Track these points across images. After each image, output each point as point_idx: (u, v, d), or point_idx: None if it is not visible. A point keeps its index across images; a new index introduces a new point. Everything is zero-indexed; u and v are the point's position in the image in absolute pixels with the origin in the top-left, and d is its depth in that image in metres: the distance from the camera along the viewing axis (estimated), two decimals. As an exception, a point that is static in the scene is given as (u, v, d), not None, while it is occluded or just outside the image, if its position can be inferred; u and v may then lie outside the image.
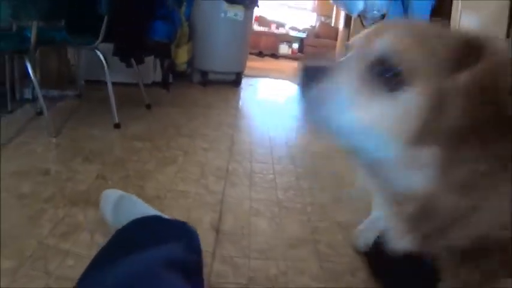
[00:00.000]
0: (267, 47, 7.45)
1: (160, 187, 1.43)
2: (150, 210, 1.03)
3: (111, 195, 1.10)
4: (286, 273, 1.03)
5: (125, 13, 1.98)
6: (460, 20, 2.77)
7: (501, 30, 2.65)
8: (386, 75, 0.42)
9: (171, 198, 1.36)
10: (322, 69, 0.45)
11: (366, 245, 1.14)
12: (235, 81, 3.70)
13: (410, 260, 0.85)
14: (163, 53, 2.71)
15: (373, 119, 0.43)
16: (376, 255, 1.07)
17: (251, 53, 6.07)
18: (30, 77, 1.79)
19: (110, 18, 1.90)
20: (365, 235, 1.16)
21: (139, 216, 0.93)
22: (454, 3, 2.74)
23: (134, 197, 1.09)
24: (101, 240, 1.03)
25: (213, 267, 1.02)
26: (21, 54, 1.79)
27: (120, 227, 0.89)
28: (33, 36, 1.69)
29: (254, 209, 1.36)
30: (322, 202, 1.48)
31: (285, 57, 7.59)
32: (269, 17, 8.17)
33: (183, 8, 2.90)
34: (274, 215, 1.34)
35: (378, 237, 1.07)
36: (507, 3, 2.50)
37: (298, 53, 7.80)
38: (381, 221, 1.13)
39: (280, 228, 1.26)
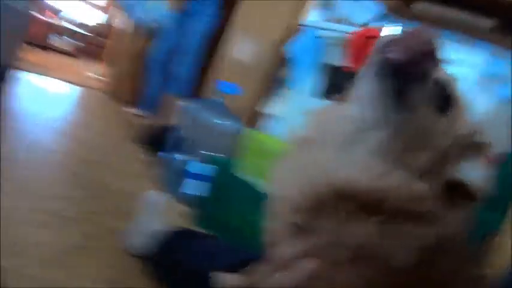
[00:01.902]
0: (37, 37, 6.61)
1: None
2: None
3: None
4: (70, 279, 1.17)
5: None
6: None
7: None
8: None
9: None
10: None
11: (136, 247, 1.36)
12: (2, 76, 3.37)
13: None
14: None
15: None
16: (151, 258, 1.29)
17: (20, 42, 5.41)
18: None
19: None
20: (135, 238, 1.38)
21: None
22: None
23: None
24: None
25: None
26: None
27: None
28: None
29: (29, 219, 1.43)
30: (93, 210, 1.63)
31: (57, 51, 6.96)
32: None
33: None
34: (49, 224, 1.43)
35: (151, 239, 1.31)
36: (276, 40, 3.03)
37: (76, 50, 7.27)
38: (147, 224, 1.36)
39: (57, 238, 1.36)
